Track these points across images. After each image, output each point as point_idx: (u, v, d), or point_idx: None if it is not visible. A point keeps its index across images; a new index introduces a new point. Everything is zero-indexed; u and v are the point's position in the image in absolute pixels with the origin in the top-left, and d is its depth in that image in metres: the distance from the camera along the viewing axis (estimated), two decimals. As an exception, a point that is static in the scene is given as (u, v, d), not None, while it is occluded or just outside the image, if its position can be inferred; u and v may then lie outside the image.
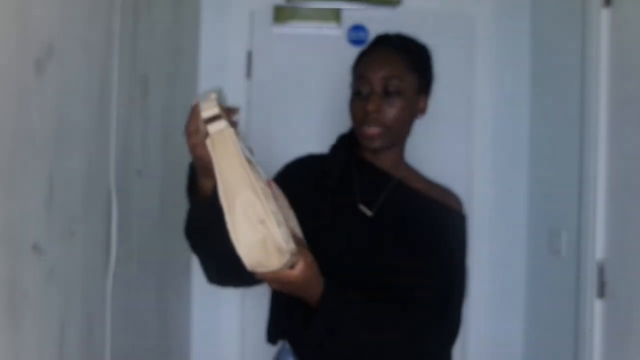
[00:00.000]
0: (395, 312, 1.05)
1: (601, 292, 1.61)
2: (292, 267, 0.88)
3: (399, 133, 1.15)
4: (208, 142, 0.82)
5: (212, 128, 0.81)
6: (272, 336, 1.16)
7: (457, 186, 2.12)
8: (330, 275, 0.98)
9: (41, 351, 0.95)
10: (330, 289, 0.97)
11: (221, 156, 0.80)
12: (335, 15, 2.13)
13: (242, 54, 2.15)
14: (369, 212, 1.12)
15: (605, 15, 1.62)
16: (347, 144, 1.21)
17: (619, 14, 1.58)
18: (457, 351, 1.10)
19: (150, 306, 1.57)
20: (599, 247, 1.62)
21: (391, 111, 1.11)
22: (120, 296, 1.31)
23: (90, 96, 1.12)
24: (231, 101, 2.35)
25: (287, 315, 1.11)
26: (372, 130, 1.10)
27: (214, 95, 0.82)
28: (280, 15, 2.13)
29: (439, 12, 2.17)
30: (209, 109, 0.81)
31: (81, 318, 1.10)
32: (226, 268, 0.98)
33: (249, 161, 0.83)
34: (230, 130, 0.81)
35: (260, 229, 0.79)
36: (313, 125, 2.05)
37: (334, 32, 2.12)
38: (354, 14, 2.13)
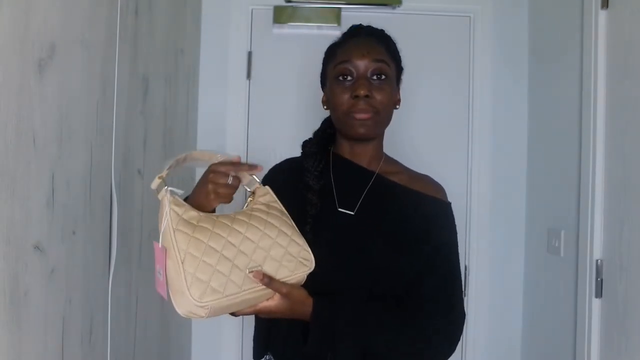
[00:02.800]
0: (396, 313, 1.05)
1: (599, 292, 1.61)
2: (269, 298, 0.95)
3: (385, 120, 1.12)
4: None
5: (159, 196, 0.90)
6: (257, 353, 1.17)
7: (456, 186, 2.15)
8: (323, 281, 0.99)
9: (42, 350, 0.95)
10: (320, 306, 0.98)
11: (160, 222, 0.89)
12: (335, 15, 2.14)
13: (242, 54, 2.16)
14: (350, 212, 1.10)
15: (603, 16, 1.63)
16: (318, 148, 1.17)
17: (617, 15, 1.58)
18: (456, 350, 1.11)
19: (151, 305, 1.57)
20: (597, 247, 1.63)
21: (380, 95, 1.08)
22: (121, 296, 1.31)
23: (91, 96, 1.13)
24: (231, 101, 2.37)
25: (268, 332, 1.13)
26: (364, 114, 1.07)
27: (164, 173, 0.91)
28: (280, 15, 2.14)
29: (439, 12, 2.18)
30: (154, 183, 0.90)
31: (82, 317, 1.11)
32: None
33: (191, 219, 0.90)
34: (165, 201, 0.88)
35: (180, 293, 0.86)
36: (313, 125, 2.06)
37: (334, 32, 2.13)
38: (354, 14, 2.14)
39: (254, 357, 1.18)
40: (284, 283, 0.94)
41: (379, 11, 2.16)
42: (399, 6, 2.14)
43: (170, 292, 0.87)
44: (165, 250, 0.87)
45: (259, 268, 0.91)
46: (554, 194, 1.94)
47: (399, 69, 1.17)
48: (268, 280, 0.91)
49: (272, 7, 2.14)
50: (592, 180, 1.64)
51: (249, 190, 1.02)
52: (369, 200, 1.12)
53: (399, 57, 1.18)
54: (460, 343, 1.11)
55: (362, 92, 1.06)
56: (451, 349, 1.08)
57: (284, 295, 0.94)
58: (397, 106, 1.17)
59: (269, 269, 0.93)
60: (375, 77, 1.09)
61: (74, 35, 1.04)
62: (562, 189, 1.86)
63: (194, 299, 0.84)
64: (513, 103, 2.17)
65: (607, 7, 1.62)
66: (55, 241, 0.98)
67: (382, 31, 1.18)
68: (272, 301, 0.94)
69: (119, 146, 1.27)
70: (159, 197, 0.89)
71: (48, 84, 0.94)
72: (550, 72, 2.00)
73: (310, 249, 0.99)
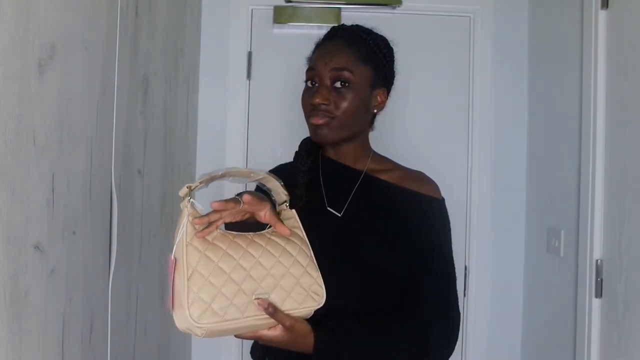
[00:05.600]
0: (398, 325, 1.04)
1: (599, 292, 1.61)
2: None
3: (350, 125, 1.10)
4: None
5: (182, 205, 0.89)
6: (255, 354, 1.17)
7: (456, 186, 2.15)
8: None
9: (43, 350, 0.95)
10: (321, 340, 0.96)
11: (176, 232, 0.88)
12: (335, 15, 2.14)
13: (242, 54, 2.16)
14: (337, 213, 1.10)
15: (603, 17, 1.63)
16: (310, 147, 1.18)
17: (617, 15, 1.58)
18: (456, 350, 1.11)
19: (151, 305, 1.57)
20: (596, 247, 1.63)
21: (340, 104, 1.08)
22: (121, 295, 1.31)
23: (91, 96, 1.13)
24: (231, 101, 2.37)
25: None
26: (318, 119, 1.09)
27: (194, 184, 0.89)
28: (280, 15, 2.14)
29: (439, 12, 2.18)
30: (181, 191, 0.89)
31: (82, 317, 1.11)
32: None
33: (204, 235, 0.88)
34: (185, 212, 0.87)
35: (181, 307, 0.85)
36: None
37: (334, 32, 2.13)
38: (354, 14, 2.14)
39: (251, 355, 1.18)
40: (288, 315, 0.92)
41: (379, 11, 2.16)
42: (399, 6, 2.14)
43: (173, 303, 0.87)
44: (175, 261, 0.86)
45: (266, 296, 0.89)
46: (554, 194, 1.94)
47: (381, 72, 1.14)
48: (272, 311, 0.89)
49: (272, 7, 2.14)
50: (592, 180, 1.64)
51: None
52: (358, 199, 1.12)
53: (382, 59, 1.15)
54: (460, 343, 1.11)
55: (316, 101, 1.08)
56: (449, 353, 1.09)
57: (287, 328, 0.92)
58: (376, 110, 1.16)
59: (276, 298, 0.90)
60: (339, 84, 1.09)
61: (74, 35, 1.04)
62: (562, 189, 1.86)
63: (192, 318, 0.83)
64: (513, 103, 2.17)
65: (607, 7, 1.62)
66: (55, 241, 0.98)
67: (359, 34, 1.14)
68: (273, 331, 0.92)
69: (119, 146, 1.27)
70: (181, 206, 0.88)
71: (48, 84, 0.94)
72: (551, 72, 2.00)
73: None
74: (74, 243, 1.06)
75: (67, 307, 1.03)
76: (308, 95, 1.12)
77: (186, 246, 0.86)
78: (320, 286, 0.96)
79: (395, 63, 1.20)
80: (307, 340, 0.96)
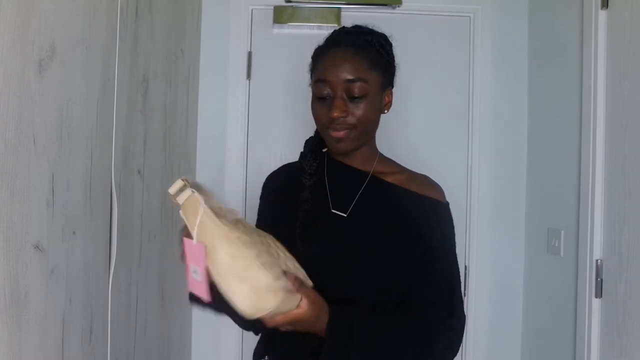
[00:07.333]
0: (404, 321, 1.04)
1: (599, 292, 1.61)
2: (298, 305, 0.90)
3: (366, 132, 1.11)
4: (181, 212, 0.86)
5: (180, 199, 0.85)
6: (257, 354, 1.17)
7: (457, 187, 2.15)
8: (319, 282, 0.97)
9: (43, 350, 0.95)
10: (334, 317, 0.95)
11: (193, 221, 0.83)
12: (335, 16, 2.14)
13: (242, 54, 2.16)
14: (343, 214, 1.10)
15: (603, 16, 1.63)
16: (316, 147, 1.17)
17: (617, 15, 1.58)
18: (456, 350, 1.11)
19: (151, 305, 1.57)
20: (597, 247, 1.63)
21: (357, 114, 1.07)
22: (121, 295, 1.31)
23: (91, 96, 1.13)
24: (231, 101, 2.37)
25: (269, 339, 1.12)
26: (339, 133, 1.08)
27: (183, 181, 0.87)
28: (280, 15, 2.14)
29: (439, 12, 2.18)
30: (174, 187, 0.86)
31: (82, 317, 1.11)
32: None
33: (223, 215, 0.85)
34: (196, 196, 0.84)
35: (247, 277, 0.81)
36: (312, 126, 2.05)
37: (334, 32, 2.13)
38: (354, 14, 2.14)
39: (253, 357, 1.18)
40: (311, 289, 0.92)
41: (379, 11, 2.16)
42: (399, 6, 2.14)
43: (224, 285, 0.81)
44: (205, 247, 0.81)
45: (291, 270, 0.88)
46: (554, 194, 1.94)
47: (388, 73, 1.14)
48: (299, 285, 0.88)
49: (272, 7, 2.14)
50: (592, 180, 1.64)
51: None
52: (363, 201, 1.11)
53: (388, 59, 1.13)
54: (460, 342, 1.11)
55: (335, 115, 1.06)
56: (453, 355, 1.09)
57: (313, 300, 0.91)
58: (386, 110, 1.15)
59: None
60: (355, 93, 1.07)
61: (74, 35, 1.04)
62: (562, 189, 1.86)
63: (270, 279, 0.79)
64: (513, 103, 2.17)
65: (607, 7, 1.62)
66: (55, 241, 0.98)
67: (364, 38, 1.12)
68: (300, 309, 0.90)
69: (119, 146, 1.27)
70: (184, 195, 0.85)
71: (48, 84, 0.94)
72: (550, 72, 2.00)
73: (303, 244, 0.99)
74: (74, 243, 1.06)
75: (67, 307, 1.03)
76: (322, 108, 1.09)
77: (218, 219, 0.82)
78: (300, 269, 0.94)
79: (395, 58, 1.18)
80: (326, 316, 0.95)
